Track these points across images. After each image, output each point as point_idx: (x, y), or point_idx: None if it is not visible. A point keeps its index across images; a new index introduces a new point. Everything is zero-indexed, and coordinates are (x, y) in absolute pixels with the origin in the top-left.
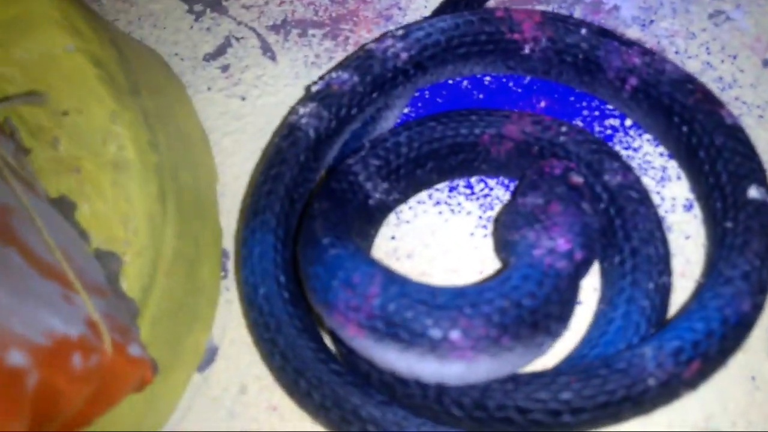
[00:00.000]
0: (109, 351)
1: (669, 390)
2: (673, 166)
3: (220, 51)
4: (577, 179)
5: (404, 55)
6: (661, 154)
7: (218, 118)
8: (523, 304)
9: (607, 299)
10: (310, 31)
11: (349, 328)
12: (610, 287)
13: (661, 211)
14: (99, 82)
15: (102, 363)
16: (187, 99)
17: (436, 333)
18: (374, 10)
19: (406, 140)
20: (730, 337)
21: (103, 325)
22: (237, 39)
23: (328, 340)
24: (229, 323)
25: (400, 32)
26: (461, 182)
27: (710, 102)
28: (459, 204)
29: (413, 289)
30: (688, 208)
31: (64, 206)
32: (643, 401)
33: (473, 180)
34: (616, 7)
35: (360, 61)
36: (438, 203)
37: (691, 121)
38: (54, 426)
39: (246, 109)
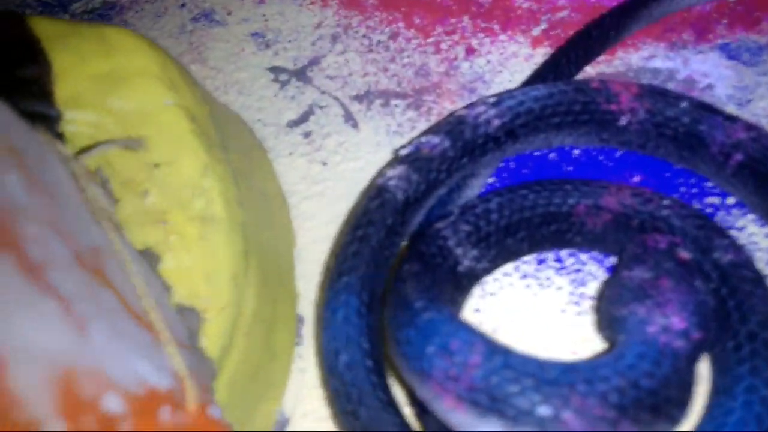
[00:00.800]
0: (194, 409)
1: None
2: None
3: (303, 118)
4: (685, 255)
5: (496, 122)
6: (767, 235)
7: (298, 182)
8: (641, 384)
9: (721, 389)
10: (393, 102)
11: (447, 400)
12: (723, 376)
13: None
14: (193, 136)
15: (186, 420)
16: (268, 162)
17: (546, 411)
18: (458, 83)
19: (497, 207)
20: None
21: (189, 380)
22: (320, 107)
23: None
24: (302, 393)
25: (492, 99)
26: (550, 255)
27: None
28: (548, 278)
29: (519, 361)
30: None
31: (149, 258)
32: None
33: (563, 254)
34: (710, 86)
35: (451, 126)
36: (525, 276)
37: None
38: None
39: (326, 174)
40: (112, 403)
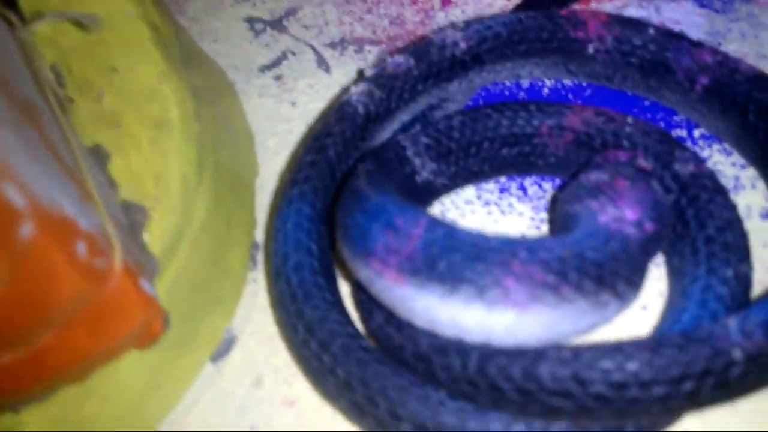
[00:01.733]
0: (118, 266)
1: (759, 366)
2: (746, 175)
3: (276, 63)
4: (644, 164)
5: (463, 45)
6: (733, 164)
7: (266, 121)
8: (586, 256)
9: (679, 292)
10: (367, 48)
11: (387, 274)
12: (681, 280)
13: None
14: (152, 44)
15: (108, 274)
16: (236, 99)
17: (485, 275)
18: (432, 31)
19: (459, 125)
20: None
21: (115, 239)
22: (293, 53)
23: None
24: (252, 314)
25: (462, 24)
26: (514, 184)
27: None
28: (510, 205)
29: (463, 233)
30: (765, 216)
31: (99, 155)
32: (727, 379)
33: (526, 183)
34: (682, 32)
35: (418, 47)
36: (488, 203)
37: (761, 107)
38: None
39: (295, 113)
40: (11, 194)
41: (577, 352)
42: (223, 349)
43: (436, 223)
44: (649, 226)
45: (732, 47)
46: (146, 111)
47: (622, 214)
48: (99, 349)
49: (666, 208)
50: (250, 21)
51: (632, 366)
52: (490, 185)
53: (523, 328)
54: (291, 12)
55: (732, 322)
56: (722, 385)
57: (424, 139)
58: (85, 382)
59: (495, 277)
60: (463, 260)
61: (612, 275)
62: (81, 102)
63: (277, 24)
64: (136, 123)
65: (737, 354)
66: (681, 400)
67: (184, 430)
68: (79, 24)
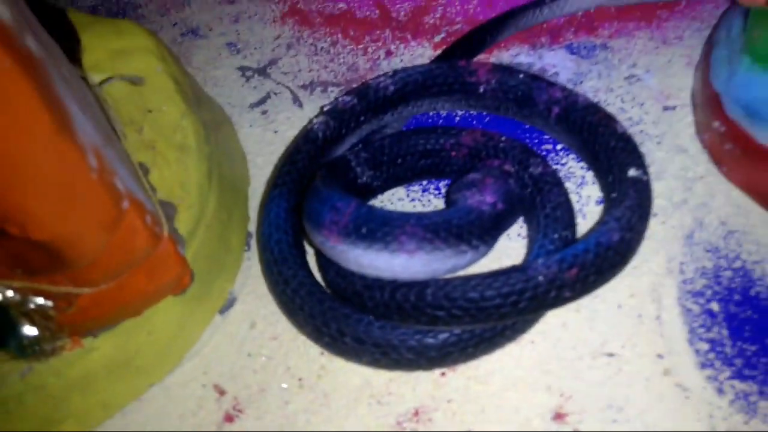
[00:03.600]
0: (166, 234)
1: (555, 287)
2: (589, 175)
3: (262, 101)
4: (508, 167)
5: (392, 88)
6: (581, 168)
7: (255, 144)
8: (451, 221)
9: (528, 249)
10: (330, 88)
11: (331, 238)
12: (531, 241)
13: (579, 205)
14: (175, 92)
15: (161, 238)
16: (232, 128)
17: (389, 235)
18: (378, 74)
19: (388, 143)
20: (602, 255)
21: (163, 218)
22: (275, 93)
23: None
24: (248, 281)
25: (391, 73)
26: (431, 186)
27: (608, 118)
28: (429, 200)
29: (377, 210)
30: (599, 202)
31: (143, 169)
32: (536, 295)
33: (441, 184)
34: (556, 73)
35: (360, 89)
36: (413, 200)
37: (595, 131)
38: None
39: (277, 138)
40: (118, 183)
41: (448, 281)
42: (227, 305)
43: (360, 204)
44: (500, 206)
45: (591, 83)
46: (172, 139)
47: (483, 198)
48: (151, 291)
49: (515, 196)
50: (242, 69)
51: (479, 287)
52: (415, 187)
53: (413, 267)
54: (273, 62)
55: (540, 261)
56: (534, 299)
57: (364, 154)
58: (138, 318)
59: (394, 236)
60: (376, 226)
61: (468, 234)
62: (129, 134)
63: (262, 71)
64: (166, 147)
65: (541, 279)
66: (510, 308)
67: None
68: (131, 82)
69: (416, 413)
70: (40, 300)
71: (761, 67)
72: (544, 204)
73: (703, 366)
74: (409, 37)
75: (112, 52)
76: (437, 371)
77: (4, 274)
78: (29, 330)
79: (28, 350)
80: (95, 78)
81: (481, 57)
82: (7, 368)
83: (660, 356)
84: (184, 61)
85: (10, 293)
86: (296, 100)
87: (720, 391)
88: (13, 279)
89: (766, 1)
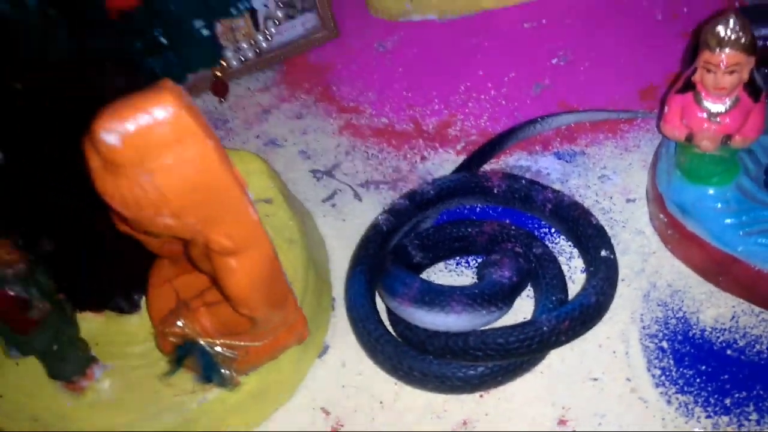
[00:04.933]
0: (299, 307)
1: (555, 334)
2: (575, 252)
3: (330, 197)
4: (518, 249)
5: (432, 193)
6: (570, 246)
7: (330, 230)
8: (484, 292)
9: (535, 305)
10: (381, 186)
11: (404, 304)
12: (537, 300)
13: (569, 273)
14: (283, 201)
15: (299, 310)
16: (312, 220)
17: (443, 301)
18: (417, 175)
19: (432, 233)
20: (584, 312)
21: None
22: (340, 190)
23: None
24: (336, 332)
25: (431, 181)
26: (462, 260)
27: (586, 213)
28: (462, 271)
29: (433, 285)
30: (583, 271)
31: None
32: (542, 340)
33: (470, 259)
34: (548, 174)
35: (410, 194)
36: (450, 271)
37: (577, 223)
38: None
39: (344, 225)
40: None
41: (484, 331)
42: (323, 351)
43: (422, 280)
44: (515, 279)
45: (574, 182)
46: (283, 234)
47: (503, 273)
48: (288, 344)
49: (524, 271)
50: (313, 171)
51: (505, 335)
52: (451, 262)
53: (460, 323)
54: (336, 165)
55: (543, 317)
56: (541, 342)
57: (416, 242)
58: (274, 361)
59: (447, 302)
60: (435, 296)
61: (495, 300)
62: None
63: (329, 173)
64: (281, 241)
65: (545, 327)
66: (525, 349)
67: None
68: (266, 202)
69: (464, 423)
70: (230, 352)
71: (687, 180)
72: (545, 275)
73: (657, 385)
74: (437, 145)
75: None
76: (477, 394)
77: (215, 336)
78: (225, 371)
79: (221, 384)
80: None
81: (493, 161)
82: (187, 398)
83: (628, 379)
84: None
85: (218, 348)
86: (357, 196)
87: (669, 402)
88: (217, 338)
89: (685, 137)
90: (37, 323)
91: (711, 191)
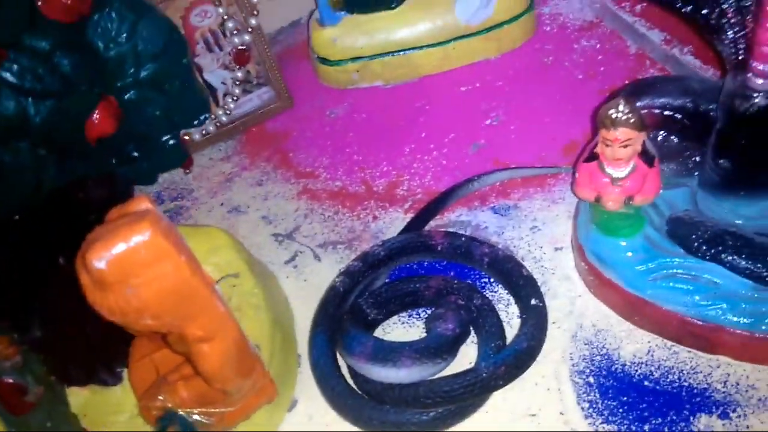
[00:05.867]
0: (269, 371)
1: (493, 378)
2: (511, 299)
3: (292, 259)
4: (460, 302)
5: (382, 253)
6: (507, 295)
7: (293, 290)
8: (430, 346)
9: (478, 351)
10: (338, 246)
11: (360, 361)
12: (479, 346)
13: (507, 318)
14: (249, 270)
15: (268, 376)
16: (277, 282)
17: (394, 357)
18: (370, 234)
19: (384, 291)
20: (518, 357)
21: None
22: (301, 252)
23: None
24: (303, 388)
25: (380, 243)
26: (414, 312)
27: (519, 265)
28: (413, 323)
29: (385, 343)
30: (519, 318)
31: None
32: (483, 384)
33: (419, 311)
34: (486, 227)
35: (362, 256)
36: (404, 324)
37: (510, 274)
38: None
39: (307, 285)
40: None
41: (432, 381)
42: (292, 405)
43: (376, 339)
44: (457, 330)
45: (508, 233)
46: (250, 302)
47: (447, 326)
48: (260, 403)
49: (466, 322)
50: (275, 235)
51: (451, 383)
52: (404, 314)
53: (410, 375)
54: (296, 228)
55: (482, 363)
56: (482, 386)
57: (370, 300)
58: (247, 420)
59: (398, 358)
60: (387, 353)
61: (441, 352)
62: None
63: (290, 236)
64: (247, 307)
65: (484, 373)
66: (468, 394)
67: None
68: (234, 277)
69: None
70: (207, 419)
71: (601, 233)
72: (484, 324)
73: (586, 417)
74: (387, 205)
75: (208, 250)
76: None
77: (192, 406)
78: None
79: None
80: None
81: (437, 218)
82: None
83: (561, 413)
84: (233, 232)
85: (196, 416)
86: (316, 256)
87: None
88: (195, 408)
89: (594, 198)
90: (32, 405)
91: (623, 242)
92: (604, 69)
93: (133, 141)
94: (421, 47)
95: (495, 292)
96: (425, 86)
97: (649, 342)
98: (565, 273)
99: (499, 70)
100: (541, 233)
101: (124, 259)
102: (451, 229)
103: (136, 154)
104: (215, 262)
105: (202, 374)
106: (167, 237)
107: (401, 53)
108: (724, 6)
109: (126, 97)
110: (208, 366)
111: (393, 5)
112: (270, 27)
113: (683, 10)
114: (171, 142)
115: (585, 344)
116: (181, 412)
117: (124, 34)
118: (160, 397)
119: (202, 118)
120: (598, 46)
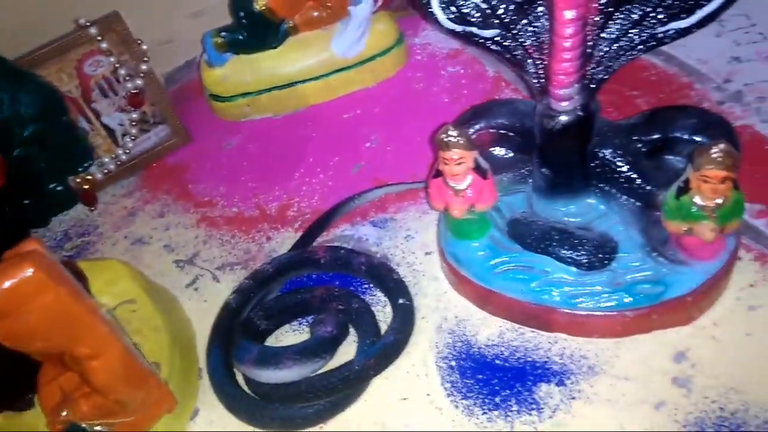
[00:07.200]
0: (165, 382)
1: (365, 370)
2: (387, 301)
3: (193, 282)
4: (339, 306)
5: (271, 270)
6: (383, 297)
7: (194, 311)
8: (309, 347)
9: (357, 349)
10: (235, 267)
11: (248, 366)
12: (358, 345)
13: (384, 318)
14: (147, 296)
15: (166, 387)
16: (178, 304)
17: (276, 360)
18: (264, 254)
19: (273, 302)
20: (386, 349)
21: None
22: (201, 276)
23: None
24: (205, 397)
25: (270, 260)
26: (304, 321)
27: (390, 270)
28: (304, 329)
29: (269, 348)
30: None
31: (136, 346)
32: (357, 375)
33: (309, 318)
34: (367, 240)
35: (253, 274)
36: (295, 331)
37: (384, 279)
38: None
39: (207, 305)
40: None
41: (312, 377)
42: (194, 414)
43: (261, 346)
44: (335, 332)
45: (386, 243)
46: (149, 324)
47: (326, 328)
48: (160, 412)
49: (343, 324)
50: (177, 262)
51: (328, 377)
52: (294, 323)
53: (292, 375)
54: (196, 254)
55: (356, 357)
56: (356, 377)
57: (260, 313)
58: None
59: (280, 360)
60: (270, 357)
61: (319, 351)
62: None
63: (190, 261)
64: (147, 330)
65: (357, 367)
66: (344, 385)
67: None
68: (130, 302)
69: None
70: (108, 428)
71: (455, 237)
72: (362, 324)
73: (448, 395)
74: (279, 226)
75: (107, 281)
76: (317, 426)
77: (93, 418)
78: None
79: None
80: (107, 303)
81: (324, 235)
82: None
83: (428, 395)
84: (137, 263)
85: (98, 428)
86: (215, 278)
87: (456, 407)
88: (96, 420)
89: (444, 208)
90: None
91: (474, 244)
92: (467, 92)
93: (23, 191)
94: (304, 80)
95: (374, 295)
96: (311, 115)
97: (500, 326)
98: (433, 274)
99: (376, 97)
100: (413, 241)
101: (12, 292)
102: (336, 244)
103: (26, 201)
104: (113, 291)
105: (95, 387)
106: (49, 272)
107: (287, 87)
108: (526, 44)
109: (14, 153)
110: (98, 379)
111: (275, 45)
112: (166, 67)
113: (493, 48)
114: (59, 188)
115: (448, 333)
116: (83, 425)
117: (7, 103)
118: (64, 413)
119: (86, 165)
120: (462, 71)
